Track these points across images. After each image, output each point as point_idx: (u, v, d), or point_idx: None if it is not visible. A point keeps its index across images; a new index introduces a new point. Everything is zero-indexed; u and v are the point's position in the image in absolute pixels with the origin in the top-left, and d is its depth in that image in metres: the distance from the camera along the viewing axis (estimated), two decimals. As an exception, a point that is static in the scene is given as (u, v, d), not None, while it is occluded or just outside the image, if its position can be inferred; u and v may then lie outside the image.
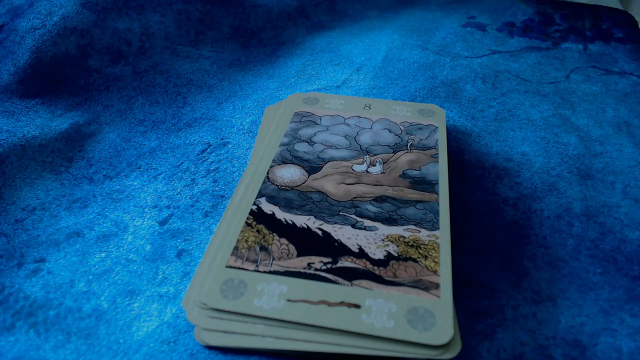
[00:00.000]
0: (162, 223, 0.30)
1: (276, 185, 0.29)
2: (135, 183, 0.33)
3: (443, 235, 0.25)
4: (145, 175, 0.33)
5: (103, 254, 0.28)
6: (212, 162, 0.34)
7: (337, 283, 0.23)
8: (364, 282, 0.23)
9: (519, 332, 0.23)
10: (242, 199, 0.27)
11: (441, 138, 0.32)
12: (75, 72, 0.39)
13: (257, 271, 0.23)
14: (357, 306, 0.22)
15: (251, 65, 0.46)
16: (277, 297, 0.22)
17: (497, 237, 0.28)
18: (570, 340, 0.23)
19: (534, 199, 0.31)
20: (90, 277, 0.26)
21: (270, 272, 0.23)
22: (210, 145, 0.36)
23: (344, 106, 0.35)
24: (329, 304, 0.22)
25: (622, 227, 0.29)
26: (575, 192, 0.31)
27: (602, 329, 0.23)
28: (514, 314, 0.24)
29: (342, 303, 0.22)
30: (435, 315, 0.21)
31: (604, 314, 0.24)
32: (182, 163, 0.34)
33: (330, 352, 0.21)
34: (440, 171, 0.29)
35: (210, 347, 0.23)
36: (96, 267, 0.27)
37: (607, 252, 0.27)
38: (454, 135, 0.36)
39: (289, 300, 0.22)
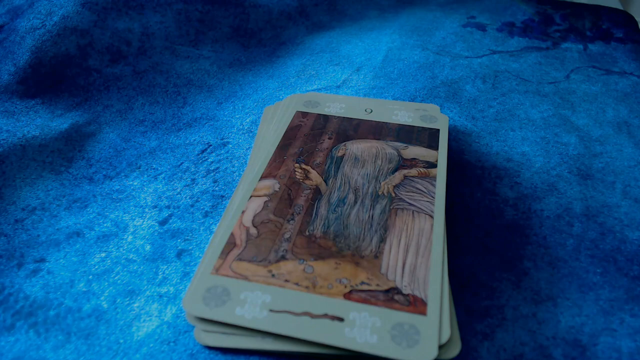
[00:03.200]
0: (162, 223, 0.30)
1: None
2: (135, 183, 0.33)
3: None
4: (145, 175, 0.33)
5: (103, 254, 0.28)
6: (212, 162, 0.34)
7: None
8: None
9: (519, 332, 0.23)
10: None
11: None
12: (75, 72, 0.39)
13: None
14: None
15: (251, 65, 0.46)
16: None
17: (497, 237, 0.28)
18: (570, 340, 0.23)
19: (534, 199, 0.31)
20: (90, 277, 0.26)
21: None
22: (210, 145, 0.36)
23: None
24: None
25: (622, 227, 0.29)
26: (575, 192, 0.31)
27: (602, 329, 0.23)
28: (514, 314, 0.24)
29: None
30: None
31: (604, 314, 0.24)
32: (182, 163, 0.34)
33: (332, 353, 0.21)
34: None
35: (210, 348, 0.23)
36: (96, 267, 0.27)
37: (607, 252, 0.27)
38: (454, 135, 0.36)
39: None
